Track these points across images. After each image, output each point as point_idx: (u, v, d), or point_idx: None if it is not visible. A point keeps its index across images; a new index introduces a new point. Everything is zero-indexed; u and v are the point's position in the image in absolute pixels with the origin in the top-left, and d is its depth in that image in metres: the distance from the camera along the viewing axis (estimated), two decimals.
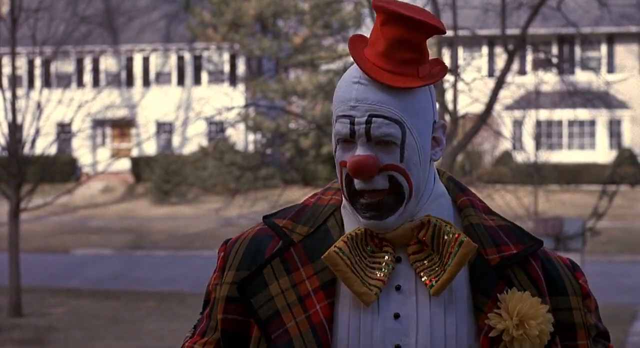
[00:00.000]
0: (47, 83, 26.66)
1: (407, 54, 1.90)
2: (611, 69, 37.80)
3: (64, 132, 34.80)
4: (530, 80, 24.20)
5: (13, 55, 15.90)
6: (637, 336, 12.71)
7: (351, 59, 2.00)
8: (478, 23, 18.10)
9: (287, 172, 35.86)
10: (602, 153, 37.22)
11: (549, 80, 24.98)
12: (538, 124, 30.56)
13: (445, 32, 1.94)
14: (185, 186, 34.75)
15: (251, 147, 37.66)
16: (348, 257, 1.90)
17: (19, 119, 15.55)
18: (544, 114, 32.15)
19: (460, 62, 14.95)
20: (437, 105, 10.98)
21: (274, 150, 37.41)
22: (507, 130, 30.71)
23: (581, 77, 30.53)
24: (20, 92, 18.38)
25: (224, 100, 34.42)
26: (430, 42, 15.91)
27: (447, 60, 14.82)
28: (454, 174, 13.98)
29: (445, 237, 1.91)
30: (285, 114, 33.53)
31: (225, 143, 35.56)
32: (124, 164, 38.82)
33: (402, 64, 1.90)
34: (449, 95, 12.63)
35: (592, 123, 37.57)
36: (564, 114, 36.14)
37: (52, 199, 17.11)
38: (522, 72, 33.15)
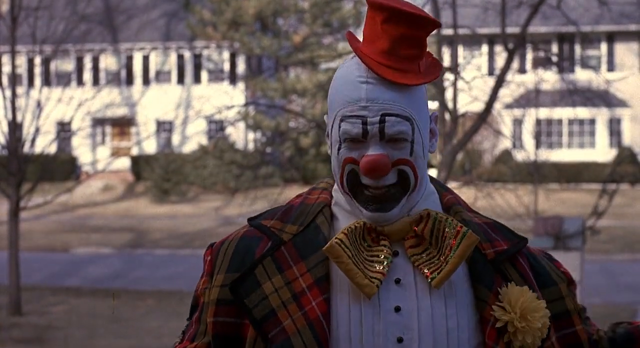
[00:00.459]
0: (47, 81, 26.68)
1: (410, 50, 1.91)
2: (611, 67, 37.81)
3: (64, 130, 34.79)
4: (530, 78, 24.19)
5: (13, 54, 15.89)
6: None
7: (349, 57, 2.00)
8: (478, 21, 18.10)
9: (287, 171, 35.85)
10: (602, 152, 37.22)
11: (549, 78, 24.97)
12: (538, 122, 30.56)
13: (440, 26, 1.96)
14: (185, 185, 34.75)
15: (251, 146, 37.65)
16: (349, 248, 1.90)
17: (18, 118, 15.54)
18: (544, 113, 32.14)
19: (460, 60, 14.96)
20: (437, 104, 10.98)
21: (273, 148, 37.40)
22: (507, 128, 30.72)
23: (581, 75, 30.52)
24: (20, 90, 18.37)
25: (223, 98, 34.42)
26: (430, 40, 15.91)
27: (447, 58, 14.81)
28: (454, 172, 14.03)
29: (446, 230, 1.93)
30: (285, 113, 33.53)
31: (225, 142, 35.56)
32: (124, 163, 38.81)
33: (405, 61, 1.91)
34: (448, 94, 12.62)
35: (592, 122, 37.57)
36: (564, 113, 36.14)
37: (52, 198, 17.11)
38: (522, 70, 33.16)
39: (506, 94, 18.44)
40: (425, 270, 1.92)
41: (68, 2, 24.32)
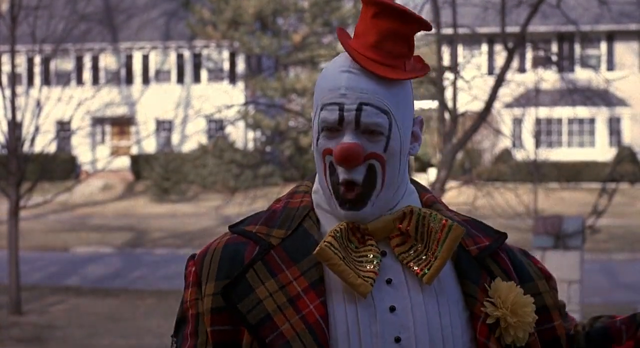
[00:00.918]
0: (46, 81, 26.69)
1: (397, 46, 1.93)
2: (611, 66, 37.81)
3: (64, 130, 34.80)
4: (530, 78, 24.18)
5: (12, 53, 15.89)
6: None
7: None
8: (478, 21, 18.09)
9: (287, 170, 35.85)
10: (601, 151, 37.23)
11: (549, 78, 24.96)
12: (538, 121, 30.55)
13: (430, 30, 1.96)
14: (184, 184, 34.75)
15: (251, 145, 37.66)
16: (339, 251, 1.90)
17: (18, 117, 15.54)
18: (543, 112, 32.15)
19: (460, 59, 14.96)
20: (437, 104, 10.96)
21: (273, 148, 37.40)
22: (506, 128, 30.70)
23: (581, 74, 30.52)
24: (19, 89, 18.37)
25: (223, 98, 34.41)
26: (430, 39, 15.91)
27: (446, 58, 14.82)
28: (454, 172, 14.02)
29: (431, 225, 1.93)
30: (285, 112, 33.52)
31: (225, 141, 35.56)
32: (124, 162, 38.81)
33: (391, 56, 1.93)
34: (448, 93, 12.61)
35: (592, 121, 37.58)
36: (563, 112, 36.14)
37: (52, 197, 17.11)
38: (521, 69, 33.17)
39: (506, 93, 18.43)
40: (415, 268, 1.92)
41: (68, 2, 24.33)
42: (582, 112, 35.37)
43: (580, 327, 2.15)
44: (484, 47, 36.27)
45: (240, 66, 39.85)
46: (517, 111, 30.62)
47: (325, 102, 1.93)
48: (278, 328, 1.89)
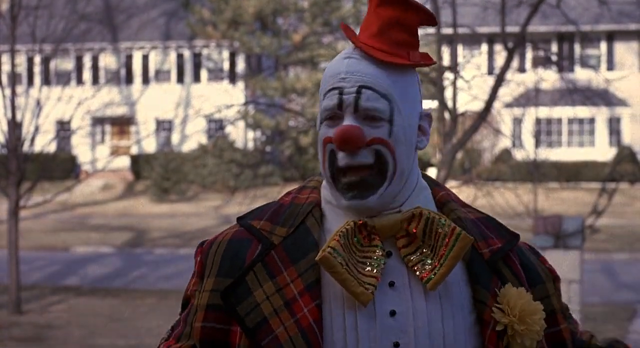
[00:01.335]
0: (46, 80, 26.68)
1: (400, 34, 1.91)
2: (611, 66, 37.81)
3: (64, 129, 34.81)
4: (529, 77, 24.20)
5: (12, 53, 15.89)
6: (636, 334, 12.70)
7: None
8: (478, 20, 18.10)
9: (287, 170, 35.85)
10: (601, 151, 37.22)
11: (549, 77, 24.97)
12: (538, 121, 30.55)
13: (435, 24, 1.96)
14: (184, 184, 34.75)
15: (251, 145, 37.66)
16: (342, 256, 1.87)
17: (18, 117, 15.55)
18: (543, 112, 32.15)
19: (460, 59, 14.96)
20: (437, 103, 10.97)
21: (273, 147, 37.39)
22: (506, 127, 30.69)
23: (581, 74, 30.53)
24: (19, 89, 18.37)
25: (223, 97, 34.41)
26: (430, 39, 15.91)
27: (446, 57, 14.82)
28: (454, 171, 14.03)
29: (439, 230, 1.89)
30: (285, 112, 33.52)
31: (225, 140, 35.56)
32: (124, 162, 38.81)
33: (394, 45, 1.91)
34: (448, 93, 12.62)
35: (592, 121, 37.57)
36: (563, 112, 36.14)
37: (52, 197, 17.11)
38: (521, 69, 33.17)
39: (506, 93, 18.44)
40: (420, 272, 1.89)
41: (68, 1, 24.33)
42: (582, 111, 35.38)
43: (595, 341, 2.11)
44: (484, 47, 36.27)
45: (240, 66, 39.85)
46: (517, 111, 30.61)
47: (326, 89, 1.92)
48: (273, 331, 1.88)
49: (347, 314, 1.89)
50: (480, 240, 1.96)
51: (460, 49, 30.24)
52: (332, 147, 1.90)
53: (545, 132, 36.88)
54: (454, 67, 12.75)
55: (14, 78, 15.90)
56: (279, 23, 38.82)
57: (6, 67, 19.06)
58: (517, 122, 32.97)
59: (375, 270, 1.88)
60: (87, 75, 38.83)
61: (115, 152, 38.73)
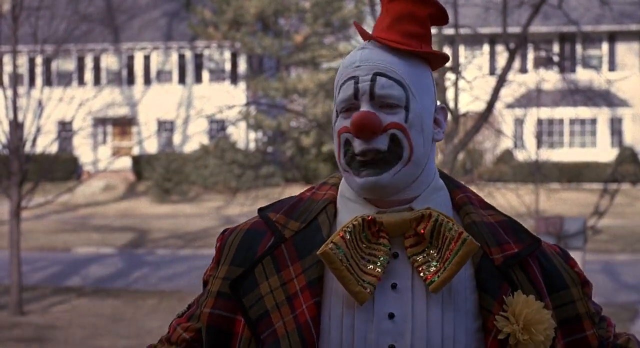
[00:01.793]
0: (48, 81, 26.67)
1: (411, 26, 1.93)
2: (612, 67, 37.80)
3: (65, 130, 34.82)
4: (531, 78, 24.19)
5: (14, 54, 15.90)
6: (638, 335, 12.70)
7: None
8: (479, 21, 18.10)
9: (288, 171, 35.86)
10: (603, 151, 37.22)
11: (550, 78, 24.96)
12: (539, 122, 30.55)
13: (447, 19, 1.97)
14: (186, 184, 34.75)
15: (252, 146, 37.67)
16: (344, 252, 1.87)
17: (20, 117, 15.56)
18: (545, 112, 32.14)
19: (462, 60, 14.96)
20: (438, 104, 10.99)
21: (275, 148, 37.40)
22: (508, 128, 30.69)
23: (582, 75, 30.51)
24: (21, 90, 18.38)
25: (225, 98, 34.43)
26: (432, 40, 15.88)
27: None
28: (455, 172, 14.01)
29: (447, 234, 1.88)
30: (286, 112, 33.53)
31: (227, 141, 35.57)
32: (125, 162, 38.82)
33: (406, 36, 1.93)
34: (450, 94, 12.62)
35: (594, 121, 37.57)
36: (565, 112, 36.14)
37: (53, 197, 17.12)
38: (523, 70, 33.16)
39: (507, 93, 18.44)
40: (424, 273, 1.88)
41: (69, 2, 24.32)
42: (584, 112, 35.36)
43: (632, 345, 2.07)
44: (486, 48, 36.27)
45: (242, 66, 39.86)
46: (518, 111, 30.63)
47: (342, 80, 1.93)
48: (273, 325, 1.89)
49: (346, 314, 1.89)
50: (494, 246, 1.93)
51: (461, 49, 30.25)
52: (347, 136, 1.90)
53: (546, 132, 36.88)
54: (455, 68, 12.76)
55: (15, 79, 15.90)
56: (280, 24, 38.83)
57: (8, 68, 19.07)
58: (519, 122, 32.96)
59: (378, 269, 1.87)
60: (88, 75, 38.84)
61: (117, 152, 38.73)
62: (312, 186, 2.05)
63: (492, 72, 33.24)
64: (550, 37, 36.53)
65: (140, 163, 37.68)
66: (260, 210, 2.02)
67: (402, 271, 1.90)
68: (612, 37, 38.22)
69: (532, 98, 24.98)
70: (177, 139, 40.00)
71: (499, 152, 35.74)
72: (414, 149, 1.89)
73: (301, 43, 37.65)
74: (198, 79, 40.72)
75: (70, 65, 37.95)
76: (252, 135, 38.17)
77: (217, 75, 40.45)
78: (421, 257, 1.89)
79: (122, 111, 40.31)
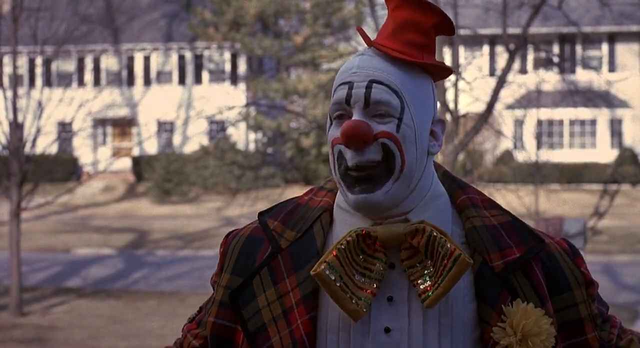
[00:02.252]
0: (48, 82, 26.70)
1: (414, 35, 1.89)
2: (612, 68, 37.81)
3: (65, 131, 34.82)
4: (531, 79, 24.20)
5: (14, 55, 15.90)
6: None
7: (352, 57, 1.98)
8: (479, 22, 18.12)
9: (288, 172, 35.86)
10: (603, 152, 37.22)
11: (550, 79, 24.96)
12: (539, 123, 30.52)
13: (453, 30, 1.93)
14: (186, 185, 34.75)
15: (252, 146, 37.67)
16: (338, 272, 1.85)
17: (20, 118, 15.56)
18: (545, 113, 32.15)
19: (462, 61, 14.97)
20: (439, 104, 11.01)
21: (275, 149, 37.40)
22: (508, 129, 30.70)
23: (582, 76, 30.52)
24: (21, 91, 18.39)
25: (225, 99, 34.43)
26: None
27: (448, 59, 14.81)
28: (455, 173, 14.00)
29: (439, 250, 1.84)
30: (286, 113, 33.54)
31: (226, 142, 35.57)
32: (125, 163, 38.81)
33: (408, 45, 1.89)
34: (450, 94, 12.62)
35: (593, 122, 37.57)
36: (565, 113, 36.14)
37: (53, 198, 17.12)
38: (523, 71, 33.16)
39: (507, 94, 18.44)
40: (421, 287, 1.85)
41: (69, 3, 24.33)
42: (584, 113, 35.37)
43: (634, 346, 2.03)
44: (486, 49, 36.27)
45: (242, 67, 39.86)
46: (518, 112, 30.61)
47: (337, 84, 1.89)
48: (270, 339, 1.89)
49: (342, 328, 1.88)
50: (495, 251, 1.90)
51: (461, 50, 30.23)
52: (340, 147, 1.87)
53: (546, 133, 36.87)
54: (455, 69, 12.76)
55: (15, 79, 15.91)
56: (280, 24, 38.84)
57: (8, 69, 19.07)
58: (519, 123, 32.97)
59: (373, 284, 1.86)
60: (88, 76, 38.84)
61: (117, 153, 38.73)
62: (312, 189, 2.03)
63: (492, 73, 33.25)
64: (550, 38, 36.53)
65: (140, 164, 37.68)
66: (260, 214, 2.01)
67: (399, 283, 1.88)
68: (612, 38, 38.23)
69: (532, 99, 24.99)
70: (177, 139, 40.00)
71: (498, 153, 35.74)
72: (406, 161, 1.85)
73: (301, 44, 37.65)
74: (198, 79, 40.72)
75: (70, 66, 37.96)
76: (252, 136, 38.17)
77: (217, 76, 40.46)
78: (416, 269, 1.87)
79: (122, 112, 40.31)
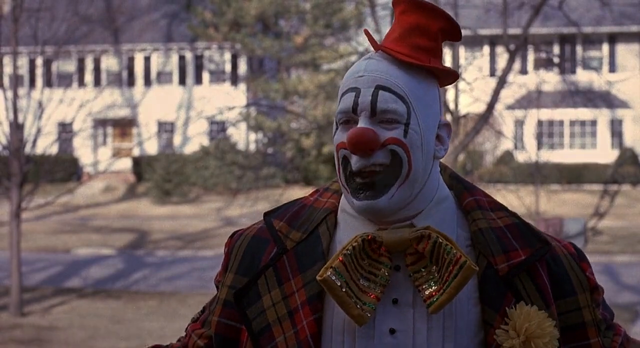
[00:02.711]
0: (48, 82, 26.68)
1: (420, 39, 1.90)
2: (612, 68, 37.82)
3: (66, 131, 34.83)
4: (531, 79, 24.20)
5: (15, 55, 15.91)
6: (639, 336, 12.71)
7: (353, 58, 1.99)
8: (479, 22, 18.12)
9: (289, 172, 35.86)
10: (603, 153, 37.23)
11: (551, 79, 24.97)
12: (539, 123, 30.57)
13: (459, 35, 1.93)
14: (186, 186, 34.77)
15: (252, 147, 37.67)
16: (343, 277, 1.85)
17: (20, 119, 15.56)
18: (545, 114, 32.17)
19: (462, 61, 14.97)
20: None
21: (275, 149, 37.40)
22: (508, 129, 30.71)
23: (582, 76, 30.52)
24: (21, 91, 18.39)
25: (225, 99, 34.43)
26: None
27: (448, 59, 14.81)
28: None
29: (445, 256, 1.84)
30: (287, 114, 33.54)
31: (227, 142, 35.58)
32: (125, 164, 38.83)
33: (415, 49, 1.89)
34: (450, 95, 12.63)
35: (594, 123, 37.58)
36: (565, 114, 36.14)
37: (54, 199, 17.12)
38: (523, 71, 33.17)
39: (508, 94, 18.44)
40: (426, 292, 1.85)
41: (69, 3, 24.32)
42: (584, 113, 35.38)
43: None
44: (486, 49, 36.27)
45: (242, 68, 39.88)
46: (518, 113, 30.63)
47: (343, 90, 1.89)
48: (274, 340, 1.89)
49: (347, 329, 1.88)
50: (500, 254, 1.89)
51: (462, 51, 30.24)
52: (345, 152, 1.87)
53: (547, 134, 36.89)
54: (455, 69, 12.76)
55: (15, 80, 15.91)
56: (280, 25, 38.84)
57: (8, 69, 19.06)
58: (519, 124, 32.98)
59: (377, 289, 1.86)
60: (89, 77, 38.86)
61: (117, 154, 38.74)
62: (317, 189, 2.03)
63: (492, 73, 33.25)
64: (550, 39, 36.53)
65: (140, 164, 37.69)
66: (265, 214, 2.01)
67: (404, 285, 1.88)
68: (613, 39, 38.23)
69: (533, 99, 24.99)
70: (177, 140, 40.02)
71: (499, 153, 35.75)
72: (413, 166, 1.86)
73: (301, 44, 37.65)
74: (198, 80, 40.73)
75: (70, 66, 37.97)
76: (253, 136, 38.18)
77: (218, 76, 40.47)
78: (422, 274, 1.87)
79: (123, 112, 40.33)
